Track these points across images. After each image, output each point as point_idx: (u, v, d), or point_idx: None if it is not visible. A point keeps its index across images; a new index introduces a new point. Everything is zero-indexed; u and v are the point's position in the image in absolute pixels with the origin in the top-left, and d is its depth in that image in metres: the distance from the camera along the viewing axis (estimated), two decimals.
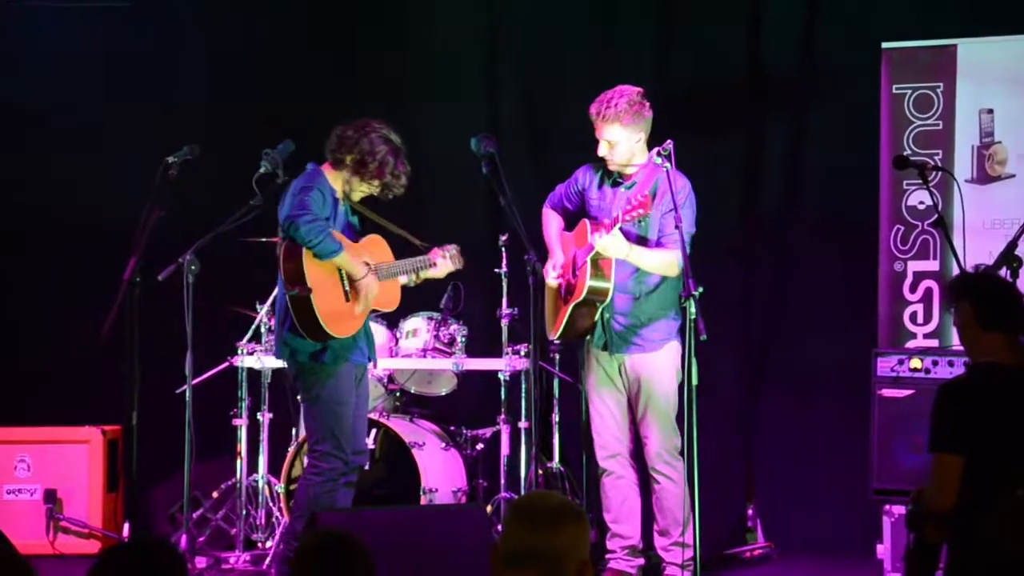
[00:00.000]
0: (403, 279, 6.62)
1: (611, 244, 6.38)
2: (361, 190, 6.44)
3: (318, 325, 6.18)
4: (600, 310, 6.59)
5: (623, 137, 6.56)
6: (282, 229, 6.22)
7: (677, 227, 6.24)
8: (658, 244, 6.54)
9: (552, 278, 6.68)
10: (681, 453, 6.56)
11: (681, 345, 6.55)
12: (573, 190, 6.85)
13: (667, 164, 6.39)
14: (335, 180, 6.39)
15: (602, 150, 6.62)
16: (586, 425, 6.81)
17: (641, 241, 6.52)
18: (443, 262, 6.65)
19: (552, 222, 6.92)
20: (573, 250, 6.69)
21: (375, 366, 7.04)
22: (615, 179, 6.70)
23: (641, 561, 6.81)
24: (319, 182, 6.32)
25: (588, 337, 6.73)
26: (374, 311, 6.55)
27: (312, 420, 6.40)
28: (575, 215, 6.88)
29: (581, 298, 6.54)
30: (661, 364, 6.63)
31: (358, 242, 6.44)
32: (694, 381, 6.12)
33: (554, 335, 6.83)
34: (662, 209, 6.49)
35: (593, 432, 6.77)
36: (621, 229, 6.43)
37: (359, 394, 6.45)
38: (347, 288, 6.31)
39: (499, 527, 6.93)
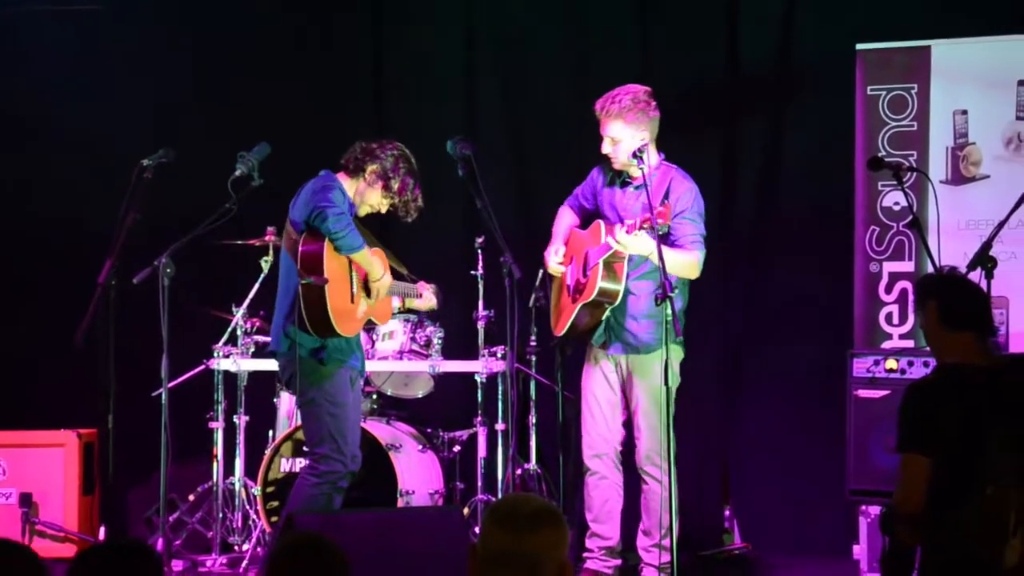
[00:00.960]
0: (395, 302, 6.71)
1: (634, 242, 6.33)
2: (369, 204, 6.45)
3: (326, 317, 6.17)
4: (608, 310, 6.60)
5: (626, 135, 6.56)
6: (306, 222, 6.20)
7: (653, 227, 6.24)
8: (673, 245, 6.50)
9: (554, 263, 6.67)
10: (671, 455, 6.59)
11: (680, 347, 6.60)
12: (589, 189, 6.86)
13: (642, 165, 6.40)
14: (349, 189, 6.42)
15: (605, 147, 6.61)
16: (562, 427, 6.80)
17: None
18: (428, 295, 6.81)
19: (564, 217, 6.93)
20: (586, 248, 6.67)
21: (363, 376, 7.06)
22: (623, 179, 6.70)
23: (618, 562, 6.81)
24: (338, 184, 6.35)
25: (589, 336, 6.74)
26: (367, 322, 6.55)
27: (310, 423, 6.38)
28: (593, 215, 6.89)
29: (591, 299, 6.53)
30: (656, 366, 6.63)
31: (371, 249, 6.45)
32: (671, 382, 6.14)
33: (559, 331, 6.81)
34: (674, 211, 6.46)
35: (582, 431, 6.78)
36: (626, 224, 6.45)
37: (355, 399, 6.44)
38: (354, 290, 6.32)
39: (476, 529, 6.93)
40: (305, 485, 6.28)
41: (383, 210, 6.51)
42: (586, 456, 6.76)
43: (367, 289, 6.39)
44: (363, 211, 6.49)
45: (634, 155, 6.43)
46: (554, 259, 6.72)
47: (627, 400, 6.70)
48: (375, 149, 6.42)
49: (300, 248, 6.20)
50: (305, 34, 8.68)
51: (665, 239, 6.35)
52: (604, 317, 6.62)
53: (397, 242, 6.83)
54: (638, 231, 6.24)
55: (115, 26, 8.60)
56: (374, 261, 6.35)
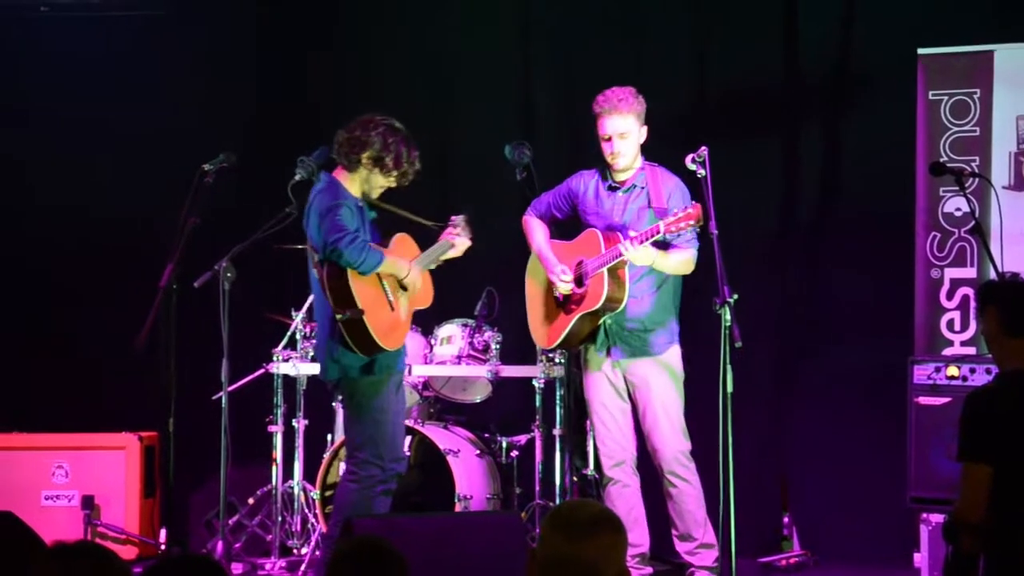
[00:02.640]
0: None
1: (643, 254, 6.38)
2: (380, 186, 6.42)
3: (373, 342, 6.18)
4: (603, 317, 6.59)
5: (635, 128, 6.59)
6: (321, 253, 6.18)
7: (712, 234, 6.24)
8: (670, 246, 6.53)
9: (565, 285, 6.64)
10: (693, 454, 6.58)
11: (683, 348, 6.64)
12: (564, 199, 6.84)
13: (702, 171, 6.39)
14: (352, 184, 6.37)
15: (614, 146, 6.60)
16: (572, 435, 6.83)
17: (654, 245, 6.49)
18: (460, 241, 6.65)
19: (538, 230, 6.89)
20: (578, 258, 6.66)
21: (409, 374, 7.06)
22: (611, 185, 6.70)
23: (650, 570, 6.80)
24: (342, 194, 6.29)
25: (587, 345, 6.72)
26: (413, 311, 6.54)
27: (353, 427, 6.39)
28: (563, 223, 6.88)
29: (596, 307, 6.51)
30: (665, 367, 6.63)
31: (387, 246, 6.44)
32: (729, 388, 6.13)
33: (551, 344, 6.81)
34: (673, 208, 6.46)
35: (598, 441, 6.79)
36: (624, 231, 6.45)
37: (398, 401, 6.46)
38: (390, 297, 6.32)
39: (534, 534, 6.93)
40: (346, 491, 6.32)
41: (393, 185, 6.45)
42: (606, 466, 6.75)
43: (403, 285, 6.39)
44: (376, 194, 6.45)
45: (693, 160, 6.41)
46: (563, 280, 6.65)
47: (636, 405, 6.69)
48: (359, 136, 6.32)
49: (327, 283, 6.18)
50: (358, 34, 8.69)
51: (665, 243, 6.42)
52: (606, 324, 6.61)
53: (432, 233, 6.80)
54: (649, 241, 6.30)
55: (178, 30, 8.65)
56: (396, 263, 6.32)
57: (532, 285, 6.93)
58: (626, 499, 6.71)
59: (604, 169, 6.75)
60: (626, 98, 6.60)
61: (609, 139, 6.62)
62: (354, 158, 6.34)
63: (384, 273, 6.26)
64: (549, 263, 6.72)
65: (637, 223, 6.56)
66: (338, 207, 6.21)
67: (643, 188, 6.64)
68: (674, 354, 6.68)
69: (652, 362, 6.63)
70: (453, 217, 6.69)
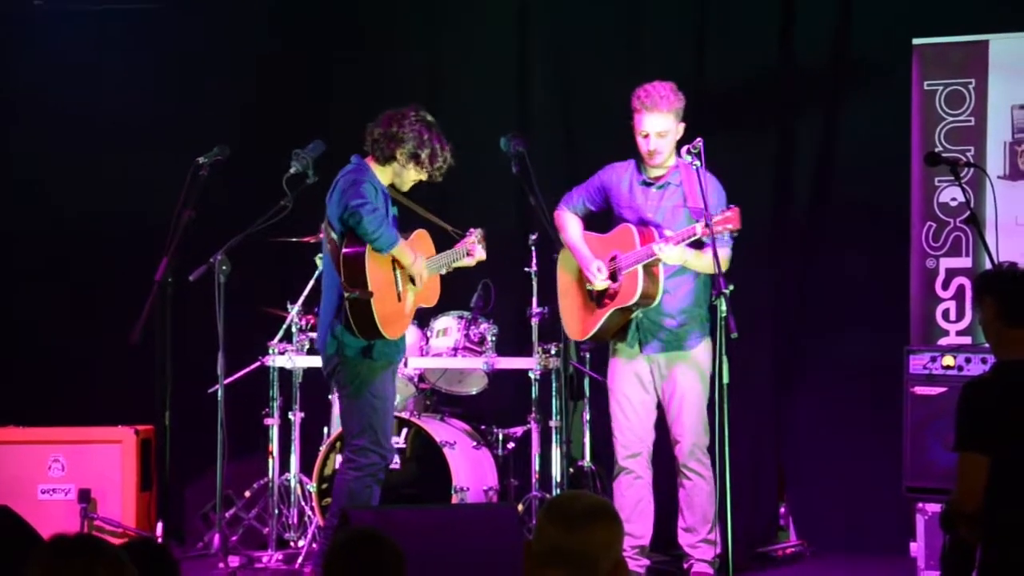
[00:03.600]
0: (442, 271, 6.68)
1: (676, 254, 6.38)
2: (412, 179, 6.46)
3: (374, 326, 6.19)
4: (635, 312, 6.59)
5: (673, 127, 6.57)
6: (341, 220, 6.20)
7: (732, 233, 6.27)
8: (704, 245, 6.50)
9: (600, 281, 6.63)
10: (710, 450, 6.58)
11: (713, 342, 6.58)
12: (598, 192, 6.83)
13: (696, 162, 6.39)
14: (382, 174, 6.41)
15: (651, 144, 6.58)
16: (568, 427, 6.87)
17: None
18: (477, 252, 6.70)
19: (572, 225, 6.89)
20: (612, 252, 6.66)
21: (405, 365, 7.06)
22: (645, 180, 6.68)
23: (647, 562, 6.82)
24: (369, 175, 6.34)
25: (617, 340, 6.73)
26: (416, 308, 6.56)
27: (351, 415, 6.39)
28: (596, 216, 6.88)
29: (631, 302, 6.52)
30: (696, 361, 6.64)
31: (407, 237, 6.46)
32: (725, 379, 6.13)
33: (584, 336, 6.81)
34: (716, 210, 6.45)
35: (615, 431, 6.78)
36: (658, 227, 6.45)
37: (392, 391, 6.47)
38: (400, 288, 6.33)
39: (531, 526, 6.94)
40: (346, 480, 6.31)
41: (424, 179, 6.49)
42: (621, 456, 6.76)
43: (411, 278, 6.39)
44: (406, 187, 6.49)
45: (688, 151, 6.40)
46: (599, 277, 6.65)
47: (662, 399, 6.69)
48: (395, 132, 6.36)
49: (342, 256, 6.20)
50: (355, 29, 8.68)
51: (699, 242, 6.41)
52: (636, 318, 6.61)
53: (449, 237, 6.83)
54: (682, 243, 6.32)
55: (172, 23, 8.64)
56: (407, 252, 6.32)
57: (565, 277, 6.92)
58: (637, 490, 6.72)
59: (639, 162, 6.73)
60: (667, 95, 6.56)
61: (647, 136, 6.60)
62: (389, 153, 6.38)
63: (396, 256, 6.26)
64: (584, 259, 6.72)
65: (671, 221, 6.56)
66: (362, 181, 6.25)
67: (678, 186, 6.62)
68: (705, 348, 6.68)
69: (684, 356, 6.65)
70: (472, 229, 6.72)
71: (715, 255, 6.15)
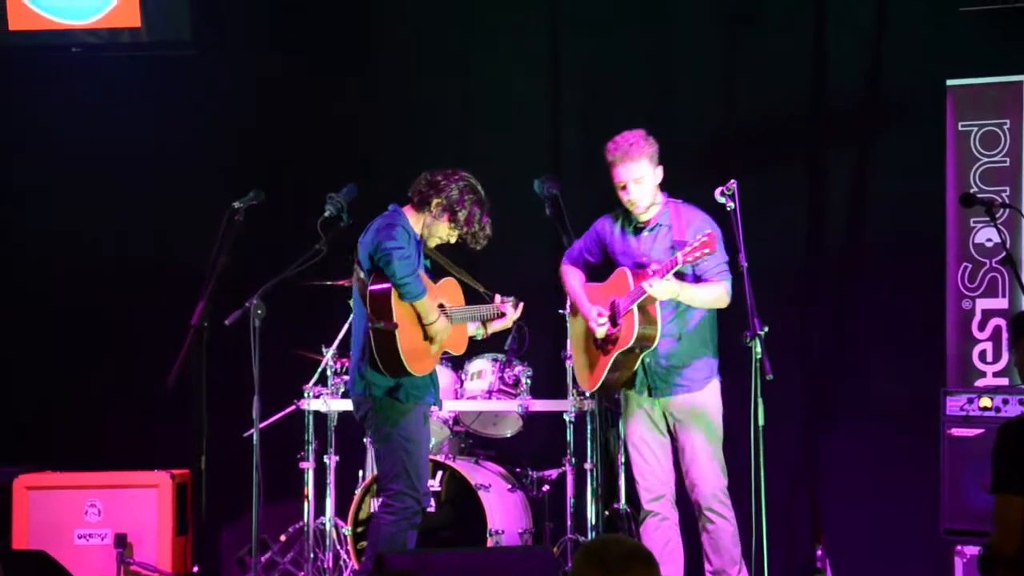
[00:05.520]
0: (471, 327, 6.68)
1: (666, 288, 6.36)
2: (439, 236, 6.49)
3: (399, 360, 6.21)
4: (642, 356, 6.57)
5: (649, 172, 6.57)
6: (371, 259, 6.25)
7: (742, 266, 6.24)
8: (699, 279, 6.51)
9: (600, 328, 6.63)
10: (730, 490, 6.57)
11: (721, 382, 6.61)
12: (594, 243, 6.83)
13: (731, 204, 6.38)
14: (416, 223, 6.44)
15: (630, 193, 6.57)
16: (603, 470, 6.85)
17: (679, 277, 6.47)
18: (509, 311, 6.73)
19: (573, 277, 6.89)
20: (611, 298, 6.65)
21: (440, 408, 7.08)
22: (635, 225, 6.68)
23: None
24: (403, 221, 6.38)
25: (624, 387, 6.71)
26: (443, 353, 6.59)
27: (384, 459, 6.41)
28: (597, 267, 6.88)
29: (629, 346, 6.50)
30: (705, 403, 6.61)
31: (436, 284, 6.48)
32: (760, 421, 6.10)
33: (594, 386, 6.77)
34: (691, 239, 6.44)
35: (636, 476, 6.75)
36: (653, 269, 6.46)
37: (425, 435, 6.47)
38: (425, 327, 6.35)
39: (567, 569, 6.92)
40: (382, 523, 6.32)
41: (452, 240, 6.52)
42: (645, 501, 6.72)
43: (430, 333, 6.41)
44: (432, 243, 6.52)
45: (722, 193, 6.39)
46: (599, 323, 6.64)
47: (676, 441, 6.67)
48: (440, 181, 6.43)
49: (369, 291, 6.24)
50: (389, 69, 8.73)
51: (697, 278, 6.42)
52: (644, 363, 6.59)
53: (483, 278, 6.84)
54: (670, 273, 6.29)
55: (208, 70, 8.70)
56: (431, 308, 6.34)
57: (575, 330, 6.93)
58: (664, 532, 6.68)
59: (628, 212, 6.74)
60: (636, 142, 6.56)
61: (624, 187, 6.61)
62: (427, 199, 6.42)
63: (419, 309, 6.28)
64: (584, 308, 6.72)
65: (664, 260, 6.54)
66: (395, 226, 6.31)
67: (667, 226, 6.62)
68: (712, 390, 6.65)
69: (690, 398, 6.61)
70: (507, 297, 6.76)
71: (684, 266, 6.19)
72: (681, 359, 6.58)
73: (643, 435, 6.68)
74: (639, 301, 6.43)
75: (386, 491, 6.35)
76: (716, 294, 6.51)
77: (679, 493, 6.72)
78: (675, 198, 6.67)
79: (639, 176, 6.54)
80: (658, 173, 6.60)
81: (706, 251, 6.24)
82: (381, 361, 6.23)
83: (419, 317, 6.32)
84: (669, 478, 6.71)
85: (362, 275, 6.32)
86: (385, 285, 6.23)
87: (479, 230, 6.46)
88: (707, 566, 6.69)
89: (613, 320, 6.59)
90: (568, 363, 7.53)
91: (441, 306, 6.45)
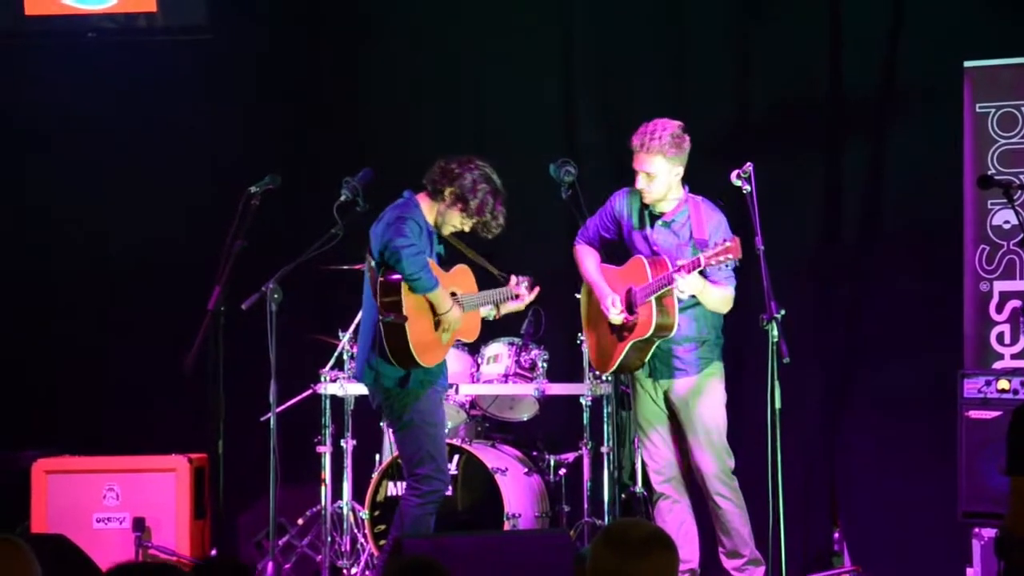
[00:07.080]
0: (484, 311, 6.68)
1: (692, 283, 6.37)
2: (452, 224, 6.48)
3: (408, 352, 6.23)
4: (656, 344, 6.57)
5: (664, 170, 6.53)
6: (381, 255, 6.25)
7: (759, 249, 6.24)
8: (709, 280, 6.50)
9: (616, 315, 6.62)
10: (735, 471, 6.57)
11: (724, 366, 6.66)
12: (610, 219, 6.80)
13: (747, 187, 6.38)
14: (429, 211, 6.45)
15: (641, 182, 6.58)
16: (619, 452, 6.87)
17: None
18: (525, 293, 6.72)
19: (589, 258, 6.87)
20: (627, 285, 6.65)
21: (456, 392, 7.08)
22: (652, 214, 6.66)
23: None
24: (415, 213, 6.38)
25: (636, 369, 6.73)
26: (456, 341, 6.60)
27: (407, 445, 6.43)
28: (612, 244, 6.86)
29: (647, 335, 6.51)
30: (705, 386, 6.62)
31: (448, 271, 6.49)
32: (777, 405, 6.11)
33: (609, 370, 6.80)
34: (714, 241, 6.42)
35: (646, 458, 6.80)
36: (672, 257, 6.45)
37: (442, 418, 6.49)
38: (436, 318, 6.36)
39: (580, 549, 6.93)
40: (410, 507, 6.33)
41: (466, 229, 6.52)
42: (656, 483, 6.76)
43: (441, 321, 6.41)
44: (446, 231, 6.52)
45: (738, 176, 6.39)
46: (615, 311, 6.63)
47: (682, 425, 6.67)
48: (453, 169, 6.42)
49: (379, 282, 6.25)
50: (410, 60, 8.73)
51: (704, 276, 6.42)
52: (652, 351, 6.61)
53: (499, 263, 6.84)
54: (696, 271, 6.29)
55: (224, 54, 8.70)
56: (444, 298, 6.35)
57: (587, 311, 6.93)
58: (677, 514, 6.70)
59: None
60: (660, 136, 6.50)
61: (638, 173, 6.60)
62: (439, 188, 6.42)
63: (432, 300, 6.29)
64: (601, 292, 6.71)
65: (679, 257, 6.53)
66: (406, 219, 6.29)
67: (685, 222, 6.61)
68: (714, 372, 6.66)
69: (692, 380, 6.63)
70: (520, 277, 6.75)
71: (701, 272, 6.20)
72: (678, 342, 6.59)
73: (649, 418, 6.73)
74: (658, 293, 6.43)
75: (413, 476, 6.37)
76: (724, 298, 6.56)
77: (691, 474, 6.74)
78: (695, 195, 6.65)
79: (651, 171, 6.53)
80: (676, 171, 6.56)
81: (730, 256, 6.23)
82: (391, 353, 6.24)
83: (432, 307, 6.32)
84: (677, 460, 6.73)
85: (373, 264, 6.33)
86: (396, 276, 6.24)
87: (491, 219, 6.45)
88: (720, 548, 6.72)
89: (630, 308, 6.59)
90: (584, 346, 7.52)
91: (453, 294, 6.45)
